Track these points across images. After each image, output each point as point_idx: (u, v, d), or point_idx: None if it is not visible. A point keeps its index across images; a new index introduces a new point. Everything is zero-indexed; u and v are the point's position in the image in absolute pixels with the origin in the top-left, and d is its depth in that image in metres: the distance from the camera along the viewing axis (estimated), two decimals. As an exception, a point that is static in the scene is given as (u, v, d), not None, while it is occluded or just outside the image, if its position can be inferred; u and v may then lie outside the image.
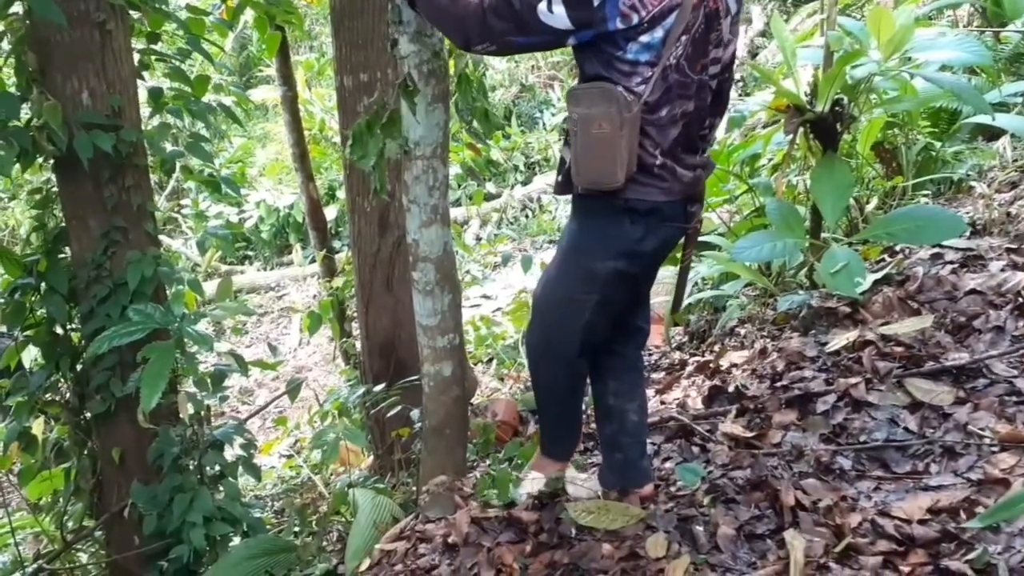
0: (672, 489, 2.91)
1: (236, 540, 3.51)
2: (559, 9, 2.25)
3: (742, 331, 4.58)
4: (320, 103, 10.76)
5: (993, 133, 5.14)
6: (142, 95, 3.66)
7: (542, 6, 2.26)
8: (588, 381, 2.90)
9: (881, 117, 4.23)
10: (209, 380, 3.47)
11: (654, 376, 4.80)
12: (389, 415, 4.06)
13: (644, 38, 2.29)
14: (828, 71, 3.51)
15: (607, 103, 2.31)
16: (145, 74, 3.82)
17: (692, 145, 2.52)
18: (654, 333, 5.75)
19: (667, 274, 5.57)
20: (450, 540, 2.84)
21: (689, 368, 4.48)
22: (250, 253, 11.63)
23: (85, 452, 3.86)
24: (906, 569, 2.30)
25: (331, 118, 10.95)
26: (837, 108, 3.58)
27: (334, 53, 4.19)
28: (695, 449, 3.15)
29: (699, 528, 2.63)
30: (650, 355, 5.28)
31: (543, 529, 2.82)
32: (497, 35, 2.33)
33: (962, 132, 5.12)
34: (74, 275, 3.59)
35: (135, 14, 3.64)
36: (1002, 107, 4.63)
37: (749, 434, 3.07)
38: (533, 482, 2.97)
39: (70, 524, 4.03)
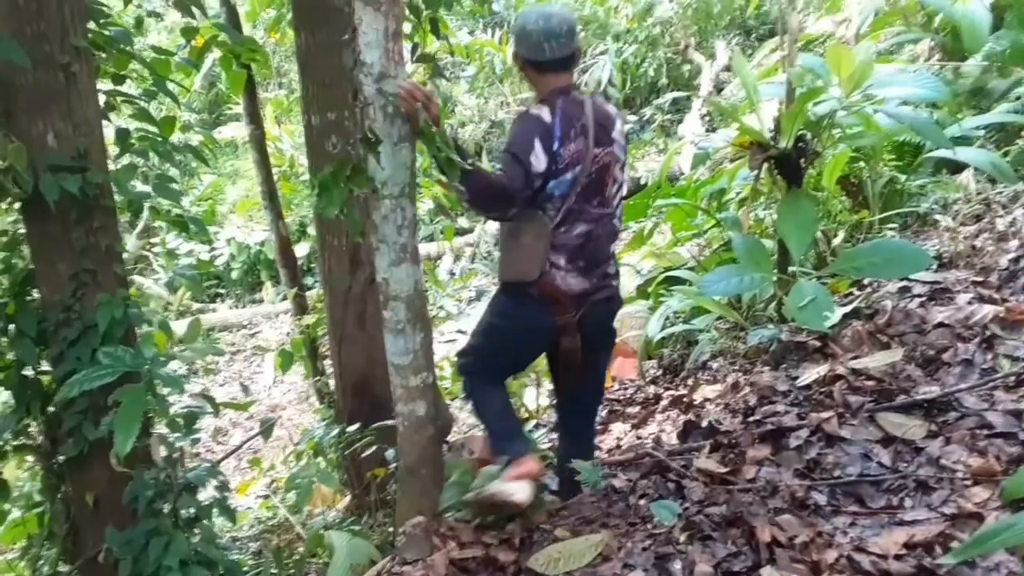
0: (648, 527, 2.86)
1: (213, 585, 3.41)
2: (541, 156, 2.96)
3: (715, 365, 4.57)
4: (290, 139, 10.69)
5: (957, 166, 5.17)
6: (108, 135, 3.59)
7: (532, 157, 2.95)
8: None
9: (845, 152, 4.23)
10: (181, 421, 3.38)
11: (629, 410, 4.77)
12: (365, 455, 4.00)
13: (562, 178, 3.04)
14: (790, 108, 3.50)
15: (532, 222, 3.06)
16: (112, 115, 3.75)
17: (594, 264, 3.19)
18: (628, 367, 5.74)
19: (639, 308, 5.60)
20: (427, 582, 2.78)
21: (664, 402, 4.46)
22: (221, 291, 11.51)
23: (58, 496, 3.74)
24: (883, 606, 2.26)
25: (301, 154, 10.87)
26: (800, 144, 3.58)
27: (301, 92, 4.17)
28: (670, 485, 3.10)
29: (677, 566, 2.58)
30: (625, 389, 5.25)
31: (521, 569, 2.76)
32: (519, 191, 2.96)
33: (926, 165, 5.15)
34: (43, 318, 3.49)
35: (100, 54, 3.58)
36: (964, 140, 4.66)
37: (724, 470, 3.03)
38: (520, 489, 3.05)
39: (45, 569, 3.90)
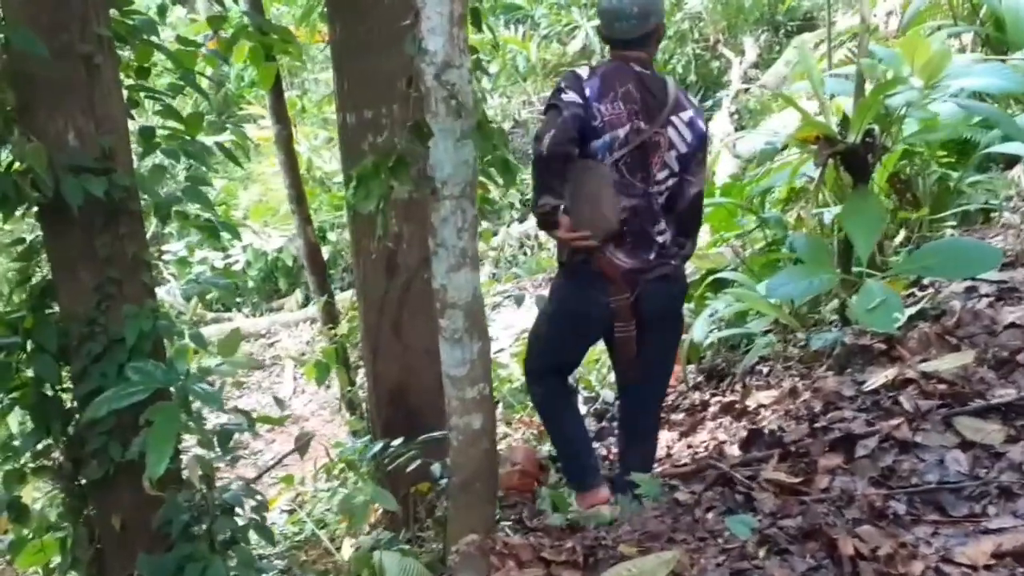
0: (720, 541, 2.94)
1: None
2: (572, 95, 3.35)
3: (764, 369, 4.66)
4: (307, 141, 10.78)
5: (1007, 162, 5.28)
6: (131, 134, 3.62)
7: (563, 96, 3.35)
8: None
9: (898, 148, 4.33)
10: (215, 439, 3.45)
11: (674, 417, 4.86)
12: (400, 468, 4.08)
13: (602, 138, 3.40)
14: (861, 100, 3.59)
15: (590, 171, 3.42)
16: (133, 112, 3.79)
17: (644, 240, 3.50)
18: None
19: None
20: (488, 604, 2.85)
21: (712, 409, 4.54)
22: (238, 299, 11.58)
23: (81, 520, 3.81)
24: (978, 619, 2.35)
25: (318, 157, 11.00)
26: (868, 139, 3.66)
27: (336, 89, 4.22)
28: (738, 497, 3.17)
29: (754, 583, 2.66)
30: (668, 395, 5.34)
31: (589, 590, 2.84)
32: (561, 132, 3.30)
33: (976, 161, 5.25)
34: (64, 332, 3.53)
35: (122, 45, 3.59)
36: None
37: (795, 480, 3.10)
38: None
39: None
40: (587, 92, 3.40)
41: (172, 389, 3.27)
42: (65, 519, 3.86)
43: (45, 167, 3.11)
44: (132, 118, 3.67)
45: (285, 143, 5.92)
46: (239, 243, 11.00)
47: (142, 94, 3.76)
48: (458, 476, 3.16)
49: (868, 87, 3.71)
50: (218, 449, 3.48)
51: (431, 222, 2.81)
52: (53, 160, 3.19)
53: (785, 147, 5.18)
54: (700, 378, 5.23)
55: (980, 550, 2.56)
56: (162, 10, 4.19)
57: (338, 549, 4.85)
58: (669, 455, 4.24)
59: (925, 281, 4.07)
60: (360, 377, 5.69)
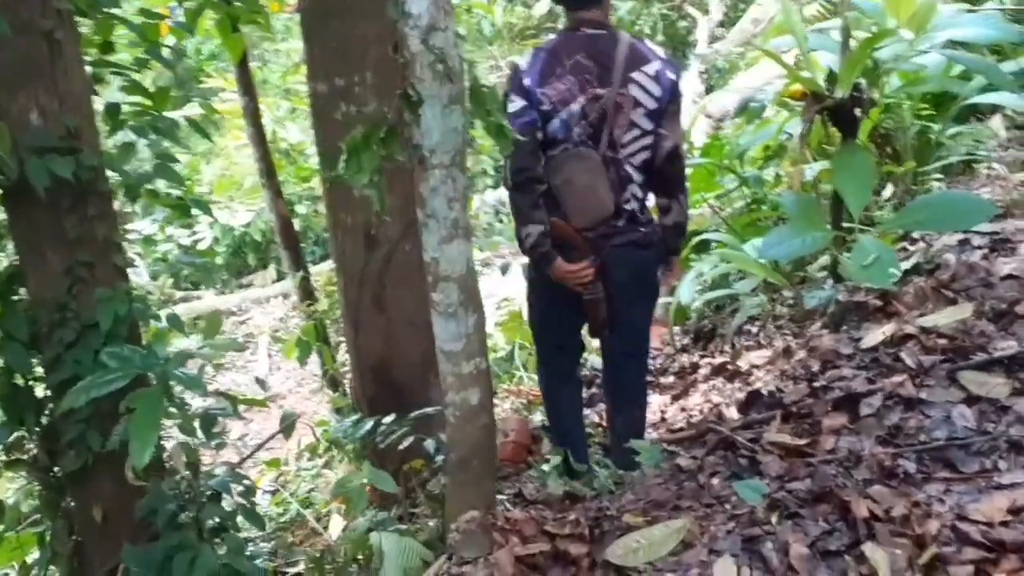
0: (727, 507, 2.88)
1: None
2: (516, 100, 3.37)
3: (753, 329, 4.61)
4: (270, 113, 10.55)
5: (983, 113, 5.25)
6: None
7: (508, 104, 3.36)
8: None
9: (885, 102, 4.28)
10: (198, 425, 3.33)
11: (664, 381, 4.80)
12: (386, 446, 3.99)
13: (557, 119, 3.39)
14: (847, 54, 3.51)
15: (579, 160, 3.44)
16: (96, 89, 3.64)
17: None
18: (652, 334, 5.80)
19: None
20: (493, 582, 2.78)
21: (703, 371, 4.49)
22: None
23: (59, 514, 3.68)
24: (1001, 576, 2.31)
25: (282, 129, 10.79)
26: (855, 93, 3.59)
27: (306, 58, 4.08)
28: (742, 461, 3.11)
29: (768, 549, 2.60)
30: (654, 359, 5.29)
31: (596, 563, 2.77)
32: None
33: (952, 113, 5.20)
34: (33, 319, 3.41)
35: (82, 20, 3.44)
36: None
37: (800, 442, 3.04)
38: None
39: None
40: (527, 82, 3.40)
41: (152, 374, 3.15)
42: (42, 513, 3.75)
43: (9, 149, 3.00)
44: (96, 95, 3.51)
45: (253, 115, 5.75)
46: (205, 220, 10.81)
47: (106, 70, 3.60)
48: (456, 453, 3.08)
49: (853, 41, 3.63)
50: (201, 435, 3.37)
51: (419, 192, 2.70)
52: (16, 141, 3.08)
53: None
54: (687, 340, 5.17)
55: (995, 506, 2.52)
56: (121, -17, 4.01)
57: (325, 528, 4.77)
58: (663, 419, 4.20)
59: (915, 235, 4.03)
60: (341, 353, 5.58)
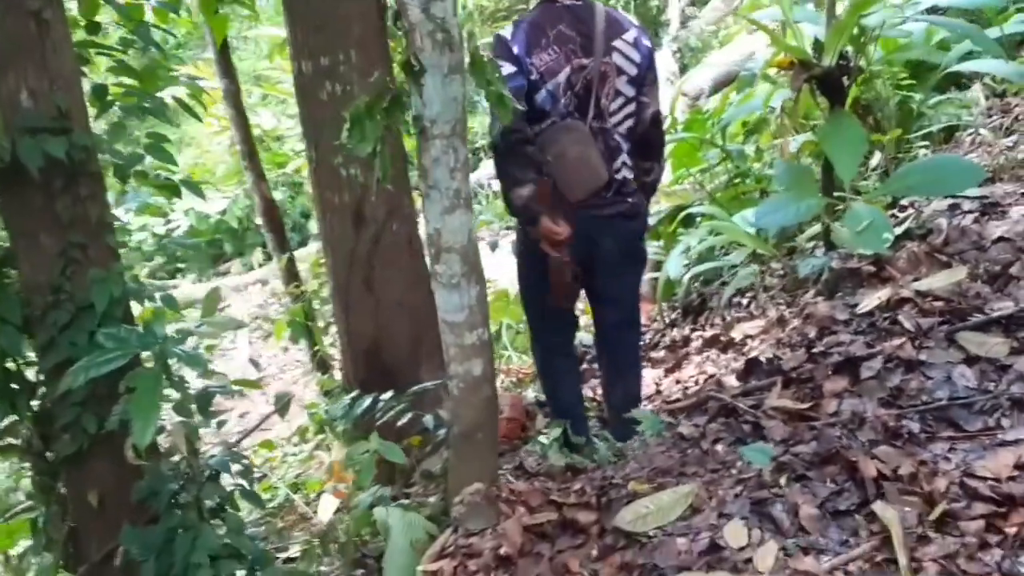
0: (733, 472, 2.87)
1: None
2: (506, 67, 3.24)
3: (744, 301, 4.60)
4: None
5: (961, 82, 5.26)
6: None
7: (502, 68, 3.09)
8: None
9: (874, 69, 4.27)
10: (195, 405, 3.27)
11: (655, 355, 4.79)
12: (379, 424, 3.95)
13: (544, 90, 3.37)
14: (835, 21, 3.49)
15: (568, 132, 3.41)
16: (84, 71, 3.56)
17: None
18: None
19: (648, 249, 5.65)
20: (502, 552, 2.73)
21: (695, 343, 4.48)
22: (181, 265, 11.21)
23: (52, 499, 3.61)
24: (1012, 530, 2.29)
25: (254, 115, 10.66)
26: (842, 61, 3.58)
27: (289, 38, 4.01)
28: (745, 427, 3.11)
29: (778, 510, 2.59)
30: (643, 334, 5.28)
31: (606, 529, 2.76)
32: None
33: (931, 83, 5.21)
34: (27, 302, 3.34)
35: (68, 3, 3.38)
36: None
37: (802, 406, 3.04)
38: None
39: (41, 579, 3.77)
40: (516, 50, 3.37)
41: (150, 354, 3.09)
42: (35, 498, 3.68)
43: (1, 129, 2.94)
44: (85, 76, 3.44)
45: (234, 97, 5.66)
46: (180, 208, 10.66)
47: (92, 50, 3.52)
48: (459, 426, 3.05)
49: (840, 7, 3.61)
50: (197, 415, 3.31)
51: (421, 163, 2.66)
52: (6, 122, 3.03)
53: (733, 81, 5.12)
54: (675, 315, 5.16)
55: (1001, 463, 2.53)
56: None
57: (315, 512, 4.72)
58: (659, 391, 4.19)
59: (903, 202, 4.03)
60: (328, 335, 5.52)
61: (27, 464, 3.74)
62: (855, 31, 3.54)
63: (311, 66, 4.00)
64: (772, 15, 5.44)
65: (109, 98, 3.47)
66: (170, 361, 3.07)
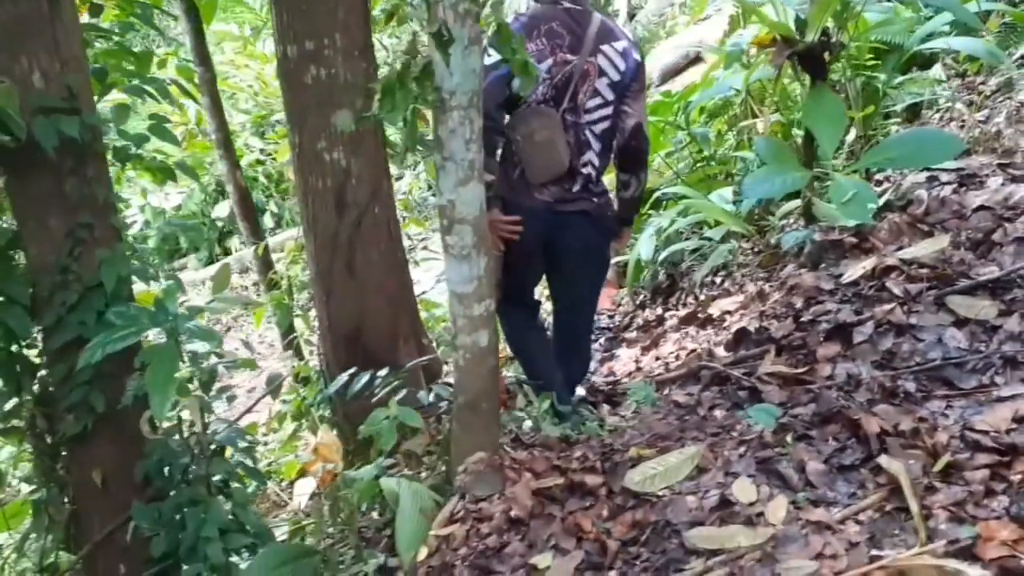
0: (734, 435, 2.89)
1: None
2: (493, 53, 3.05)
3: (717, 280, 4.63)
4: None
5: (924, 63, 5.34)
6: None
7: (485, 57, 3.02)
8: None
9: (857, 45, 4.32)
10: (201, 381, 3.23)
11: (628, 336, 4.81)
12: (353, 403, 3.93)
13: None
14: (818, -1, 3.52)
15: (538, 117, 3.44)
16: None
17: (568, 171, 3.49)
18: (603, 296, 5.81)
19: None
20: (513, 515, 2.75)
21: (670, 322, 4.50)
22: (134, 262, 10.99)
23: (53, 480, 3.55)
24: (1016, 478, 2.34)
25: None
26: (823, 37, 3.62)
27: (274, 21, 3.94)
28: (741, 394, 3.14)
29: (784, 467, 2.62)
30: (611, 317, 5.31)
31: (613, 491, 2.76)
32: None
33: (890, 63, 5.28)
34: (33, 283, 3.28)
35: None
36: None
37: (797, 371, 3.08)
38: None
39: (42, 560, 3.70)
40: None
41: (159, 331, 3.05)
42: (37, 480, 3.61)
43: (18, 108, 2.88)
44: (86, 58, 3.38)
45: (209, 86, 5.55)
46: (136, 203, 10.44)
47: (92, 33, 3.46)
48: (464, 396, 3.05)
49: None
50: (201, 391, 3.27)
51: (438, 135, 2.65)
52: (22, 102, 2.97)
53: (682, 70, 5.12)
54: (642, 297, 5.18)
55: (999, 416, 2.59)
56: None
57: (289, 499, 4.68)
58: (639, 368, 4.22)
59: (879, 176, 4.08)
60: (301, 321, 5.42)
61: (26, 447, 3.67)
62: (837, 7, 3.57)
63: (296, 50, 3.93)
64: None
65: (109, 80, 3.41)
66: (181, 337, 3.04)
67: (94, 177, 3.21)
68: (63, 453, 3.54)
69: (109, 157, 3.42)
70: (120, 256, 3.22)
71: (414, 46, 2.51)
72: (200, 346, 3.25)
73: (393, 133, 6.01)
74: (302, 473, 4.67)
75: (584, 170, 3.54)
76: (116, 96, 3.48)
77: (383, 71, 3.34)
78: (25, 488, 3.94)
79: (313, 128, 3.96)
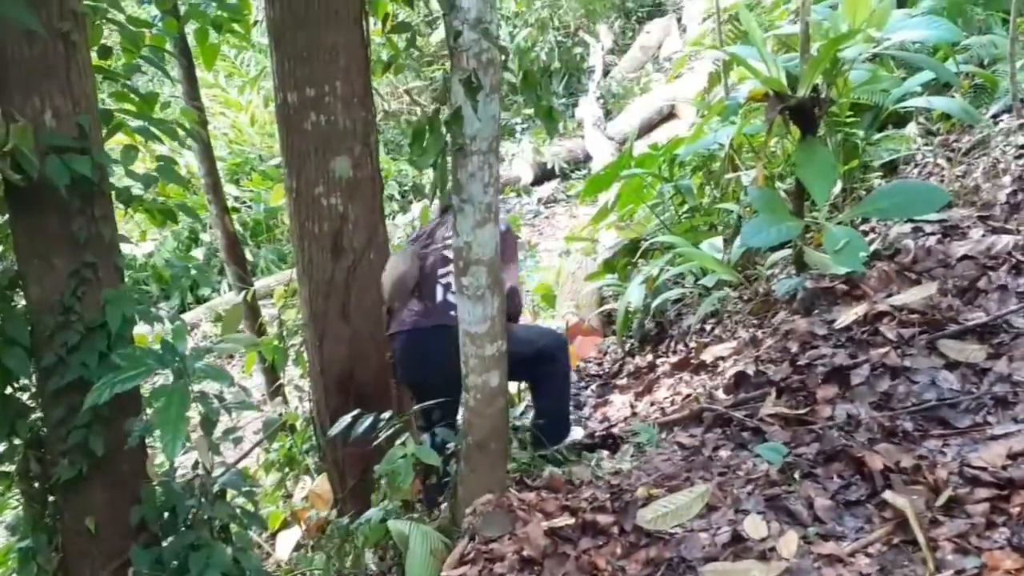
0: (740, 474, 3.05)
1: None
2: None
3: (707, 327, 4.82)
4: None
5: (898, 121, 5.64)
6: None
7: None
8: None
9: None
10: (210, 422, 3.30)
11: (620, 382, 4.97)
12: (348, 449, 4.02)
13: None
14: (807, 56, 3.77)
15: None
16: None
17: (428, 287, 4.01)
18: (587, 345, 5.99)
19: (601, 284, 5.89)
20: (526, 555, 2.85)
21: (662, 368, 4.66)
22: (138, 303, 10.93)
23: (43, 527, 3.56)
24: (1015, 510, 2.51)
25: (180, 156, 10.59)
26: (814, 93, 3.85)
27: (274, 68, 4.09)
28: (745, 434, 3.30)
29: (793, 504, 2.77)
30: (600, 364, 5.48)
31: (625, 530, 2.89)
32: None
33: (865, 120, 5.57)
34: (34, 322, 3.34)
35: None
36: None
37: (798, 412, 3.26)
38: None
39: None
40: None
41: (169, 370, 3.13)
42: (24, 528, 3.62)
43: (32, 147, 2.96)
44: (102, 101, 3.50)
45: (200, 130, 5.66)
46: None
47: (98, 75, 3.57)
48: (474, 436, 3.16)
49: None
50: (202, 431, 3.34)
51: (457, 179, 2.80)
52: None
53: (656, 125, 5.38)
54: (632, 343, 5.35)
55: (994, 453, 2.77)
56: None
57: (272, 549, 4.73)
58: (634, 413, 4.35)
59: (865, 227, 4.32)
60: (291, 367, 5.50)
61: (10, 494, 3.70)
62: (827, 65, 3.82)
63: (296, 96, 4.08)
64: (715, 56, 5.80)
65: (116, 120, 3.52)
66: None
67: (101, 216, 3.28)
68: (51, 499, 3.59)
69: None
70: (125, 296, 3.30)
71: (444, 93, 2.67)
72: (204, 386, 3.35)
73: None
74: (285, 524, 4.76)
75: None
76: (118, 136, 3.59)
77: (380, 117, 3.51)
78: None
79: (311, 173, 4.09)
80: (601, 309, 6.18)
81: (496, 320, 3.02)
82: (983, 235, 3.85)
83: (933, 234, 4.00)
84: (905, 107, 4.79)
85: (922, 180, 4.62)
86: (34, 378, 3.47)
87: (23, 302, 3.41)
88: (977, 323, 3.37)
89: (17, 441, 3.50)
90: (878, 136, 5.20)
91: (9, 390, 3.45)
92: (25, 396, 3.54)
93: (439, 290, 3.95)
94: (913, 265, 3.82)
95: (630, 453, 3.63)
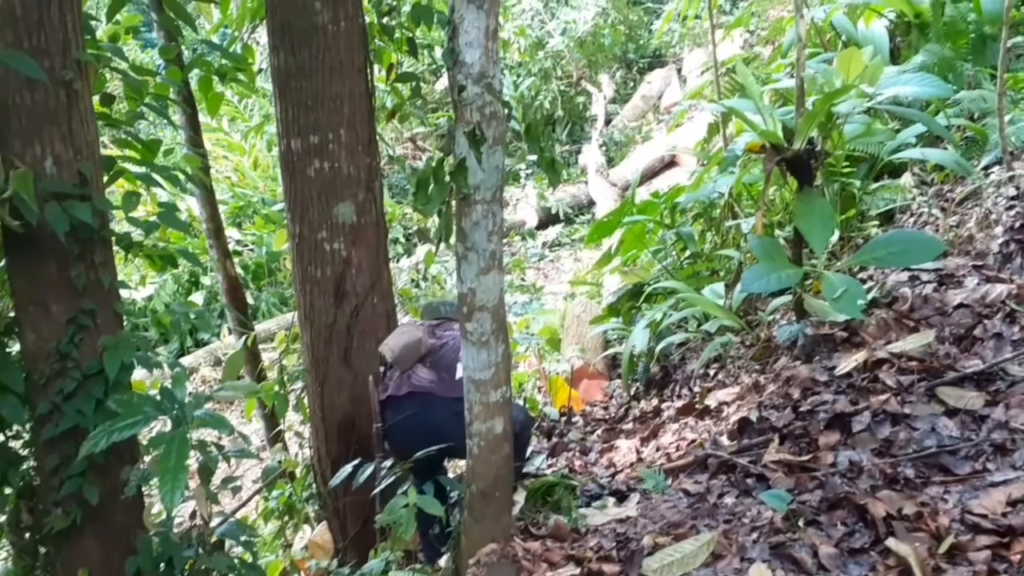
0: (745, 521, 3.11)
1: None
2: None
3: (711, 372, 4.91)
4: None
5: (893, 172, 5.80)
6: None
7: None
8: None
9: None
10: (209, 471, 3.35)
11: (625, 427, 5.05)
12: (351, 497, 4.06)
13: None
14: (803, 110, 3.90)
15: None
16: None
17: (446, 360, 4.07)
18: (593, 388, 6.09)
19: (605, 328, 5.99)
20: (530, 606, 2.92)
21: (668, 413, 4.75)
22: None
23: (34, 579, 3.59)
24: (1016, 557, 2.58)
25: (180, 199, 10.71)
26: (809, 145, 3.98)
27: (278, 115, 4.21)
28: (749, 481, 3.38)
29: (798, 552, 2.84)
30: (606, 408, 5.56)
31: (631, 581, 2.95)
32: None
33: (860, 171, 5.72)
34: (29, 369, 3.38)
35: None
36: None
37: (801, 458, 3.34)
38: None
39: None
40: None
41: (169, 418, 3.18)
42: (16, 581, 3.65)
43: (33, 194, 3.03)
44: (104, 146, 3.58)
45: (203, 174, 5.74)
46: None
47: (100, 123, 3.66)
48: (478, 484, 3.21)
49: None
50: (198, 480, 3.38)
51: (461, 227, 2.89)
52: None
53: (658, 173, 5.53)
54: (637, 387, 5.44)
55: (995, 500, 2.84)
56: (114, 38, 4.10)
57: None
58: (640, 459, 4.41)
59: (862, 275, 4.43)
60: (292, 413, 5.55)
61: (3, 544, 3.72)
62: (822, 119, 3.95)
63: (300, 143, 4.20)
64: (713, 108, 5.96)
65: (118, 167, 3.60)
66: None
67: (100, 263, 3.34)
68: (43, 551, 3.61)
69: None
70: (124, 343, 3.35)
71: (448, 144, 2.78)
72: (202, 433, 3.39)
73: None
74: (284, 574, 4.77)
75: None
76: (120, 181, 3.67)
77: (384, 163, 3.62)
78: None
79: (314, 218, 4.19)
80: (606, 352, 6.31)
81: (500, 366, 3.09)
82: (978, 284, 3.95)
83: (929, 282, 4.11)
84: (900, 158, 4.93)
85: (918, 229, 4.74)
86: (28, 426, 3.54)
87: (18, 348, 3.47)
88: (974, 370, 3.45)
89: (8, 490, 3.56)
90: (874, 186, 5.34)
91: (1, 438, 3.51)
92: (18, 444, 3.60)
93: (459, 367, 3.87)
94: (911, 313, 3.93)
95: (636, 500, 3.70)
